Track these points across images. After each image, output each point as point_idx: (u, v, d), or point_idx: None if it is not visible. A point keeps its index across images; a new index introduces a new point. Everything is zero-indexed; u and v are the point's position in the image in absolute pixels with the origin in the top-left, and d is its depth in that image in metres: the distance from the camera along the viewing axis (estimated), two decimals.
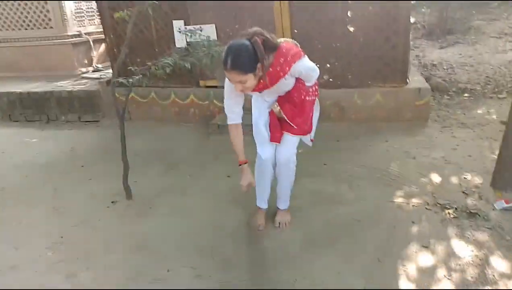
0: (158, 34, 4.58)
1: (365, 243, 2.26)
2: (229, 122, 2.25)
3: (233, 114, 2.22)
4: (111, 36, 4.70)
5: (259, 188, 2.51)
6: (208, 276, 2.10)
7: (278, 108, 2.29)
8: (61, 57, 5.97)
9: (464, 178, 2.89)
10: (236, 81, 1.90)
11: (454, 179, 2.89)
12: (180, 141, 4.10)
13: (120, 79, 2.69)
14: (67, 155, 3.99)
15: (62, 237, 2.54)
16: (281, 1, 4.01)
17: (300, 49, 2.12)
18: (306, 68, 2.11)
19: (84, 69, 6.03)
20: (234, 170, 3.25)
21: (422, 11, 7.55)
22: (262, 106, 2.36)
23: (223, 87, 4.60)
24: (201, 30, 4.31)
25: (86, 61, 6.18)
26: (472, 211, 2.46)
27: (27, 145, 4.39)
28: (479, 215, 2.41)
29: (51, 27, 5.99)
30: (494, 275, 1.94)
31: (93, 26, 6.46)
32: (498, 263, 2.02)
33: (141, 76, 2.74)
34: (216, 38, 4.20)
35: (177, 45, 4.47)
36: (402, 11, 3.77)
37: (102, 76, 5.52)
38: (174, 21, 4.39)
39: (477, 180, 2.84)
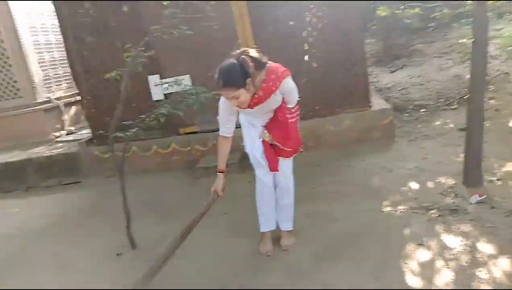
0: (134, 90, 4.77)
1: (367, 250, 2.48)
2: (220, 134, 2.48)
3: (225, 128, 2.44)
4: (88, 98, 4.85)
5: (263, 213, 2.69)
6: None
7: (268, 134, 2.48)
8: (33, 124, 6.01)
9: (439, 181, 3.22)
10: (230, 97, 2.13)
11: (430, 184, 3.21)
12: (168, 189, 4.21)
13: (119, 134, 2.84)
14: (57, 218, 3.97)
15: None
16: (248, 44, 4.37)
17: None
18: (292, 86, 2.34)
19: (57, 133, 6.07)
20: (229, 207, 3.43)
21: (367, 42, 8.26)
22: (254, 135, 2.54)
23: (203, 132, 4.82)
24: (176, 82, 4.59)
25: (58, 125, 6.23)
26: (452, 208, 2.75)
27: (10, 215, 4.33)
28: (459, 211, 2.71)
29: (20, 97, 6.06)
30: (483, 258, 2.20)
31: (61, 91, 6.58)
32: (485, 247, 2.29)
33: (137, 128, 2.91)
34: (188, 88, 4.48)
35: (154, 98, 4.69)
36: (357, 43, 4.24)
37: (77, 139, 5.58)
38: (149, 76, 4.63)
39: (450, 181, 3.17)
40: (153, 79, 4.65)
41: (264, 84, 2.23)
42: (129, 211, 3.03)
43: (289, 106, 2.46)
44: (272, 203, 2.69)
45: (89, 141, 5.04)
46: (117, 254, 2.99)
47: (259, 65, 2.17)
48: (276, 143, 2.49)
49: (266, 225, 2.71)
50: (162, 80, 4.65)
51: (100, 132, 4.90)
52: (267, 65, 2.25)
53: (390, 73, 7.01)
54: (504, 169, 3.21)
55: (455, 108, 5.01)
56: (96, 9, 4.62)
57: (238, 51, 2.18)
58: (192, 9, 3.83)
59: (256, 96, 2.24)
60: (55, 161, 4.94)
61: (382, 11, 4.40)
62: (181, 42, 3.84)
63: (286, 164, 2.59)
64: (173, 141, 4.77)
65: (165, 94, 4.68)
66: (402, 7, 4.53)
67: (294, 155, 2.60)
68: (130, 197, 4.01)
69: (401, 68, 7.11)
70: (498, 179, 3.06)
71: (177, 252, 2.85)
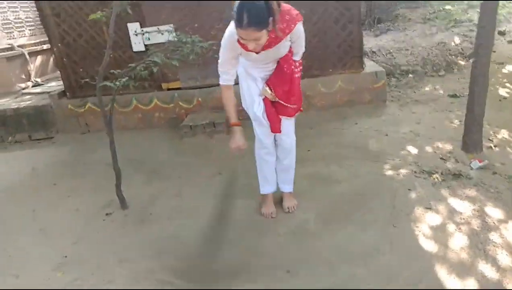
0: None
1: (375, 212, 2.43)
2: (222, 83, 2.19)
3: (228, 74, 2.16)
4: (59, 45, 4.39)
5: (264, 175, 2.56)
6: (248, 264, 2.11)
7: (270, 91, 2.28)
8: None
9: (437, 146, 3.20)
10: (251, 38, 1.85)
11: (428, 149, 3.19)
12: (153, 148, 3.97)
13: (107, 83, 2.55)
14: (30, 176, 3.66)
15: (66, 256, 2.36)
16: None
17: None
18: (303, 34, 2.12)
19: (23, 85, 5.54)
20: (223, 167, 3.28)
21: None
22: (254, 91, 2.32)
23: (187, 88, 4.54)
24: (159, 31, 4.23)
25: (23, 76, 5.68)
26: (455, 173, 2.74)
27: None
28: (462, 176, 2.70)
29: None
30: (494, 222, 2.21)
31: (24, 38, 5.97)
32: (493, 212, 2.30)
33: (128, 78, 2.63)
34: (176, 39, 4.14)
35: (134, 49, 4.33)
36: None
37: (46, 91, 5.12)
38: (129, 24, 4.23)
39: (448, 146, 3.16)
40: (133, 27, 4.25)
41: (277, 25, 1.96)
42: (119, 169, 2.79)
43: (296, 58, 2.27)
44: (273, 165, 2.55)
45: (61, 94, 4.62)
46: (107, 214, 2.78)
47: (278, 4, 1.91)
48: (279, 100, 2.31)
49: (267, 187, 2.59)
50: (143, 29, 4.26)
51: (74, 83, 4.52)
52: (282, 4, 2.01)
53: (375, 37, 6.89)
54: (499, 136, 3.24)
55: (443, 75, 5.01)
56: None
57: None
58: None
59: (271, 36, 1.98)
60: (24, 115, 4.51)
61: None
62: None
63: (289, 123, 2.43)
64: (155, 97, 4.46)
65: (145, 45, 4.32)
66: None
67: (297, 113, 2.44)
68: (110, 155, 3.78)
69: (385, 32, 7.00)
70: (495, 146, 3.09)
71: (177, 211, 2.72)
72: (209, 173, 3.24)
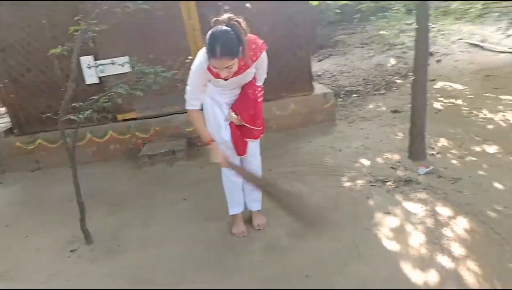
0: (63, 73, 4.31)
1: (340, 222, 2.58)
2: (190, 108, 2.26)
3: (197, 100, 2.25)
4: (6, 81, 4.23)
5: (232, 196, 2.64)
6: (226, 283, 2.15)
7: (236, 116, 2.38)
8: None
9: (386, 157, 3.48)
10: (224, 67, 1.95)
11: (379, 160, 3.45)
12: (111, 180, 3.90)
13: (71, 116, 2.53)
14: None
15: None
16: (195, 27, 4.22)
17: None
18: (266, 60, 2.26)
19: None
20: (189, 194, 3.31)
21: None
22: (220, 117, 2.40)
23: (143, 118, 4.54)
24: (113, 63, 4.24)
25: None
26: (405, 179, 3.00)
27: None
28: (412, 181, 2.96)
29: None
30: (445, 219, 2.45)
31: None
32: (442, 210, 2.55)
33: (91, 110, 2.63)
34: (131, 70, 4.17)
35: (87, 82, 4.29)
36: (302, 28, 4.34)
37: None
38: (81, 57, 4.20)
39: (396, 157, 3.45)
40: (86, 60, 4.23)
41: (246, 54, 2.08)
42: (83, 203, 2.73)
43: (258, 83, 2.43)
44: (240, 185, 2.65)
45: (8, 131, 4.42)
46: (71, 251, 2.69)
47: (246, 33, 2.05)
48: (245, 124, 2.43)
49: (236, 208, 2.67)
50: (96, 61, 4.25)
51: (23, 120, 4.35)
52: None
53: (318, 61, 7.36)
54: (439, 144, 3.58)
55: (383, 93, 5.44)
56: None
57: (223, 17, 1.99)
58: None
59: (241, 64, 2.11)
60: None
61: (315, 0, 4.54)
62: (117, 20, 3.56)
63: (254, 145, 2.56)
64: (110, 128, 4.41)
65: (100, 78, 4.30)
66: None
67: (261, 135, 2.58)
68: (68, 191, 3.64)
69: (328, 57, 7.51)
70: (437, 153, 3.41)
71: (146, 241, 2.70)
72: (174, 200, 3.25)
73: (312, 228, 2.35)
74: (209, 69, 2.09)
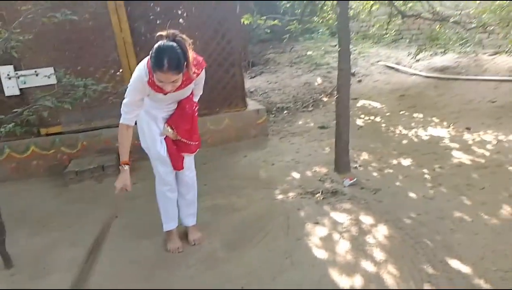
0: None
1: (273, 233, 2.69)
2: (123, 122, 2.19)
3: (132, 114, 2.19)
4: None
5: (167, 212, 2.63)
6: None
7: (172, 130, 2.40)
8: None
9: (315, 170, 3.69)
10: (170, 81, 1.99)
11: (308, 173, 3.66)
12: (34, 198, 3.65)
13: (9, 127, 2.36)
14: None
15: None
16: (126, 40, 4.15)
17: None
18: (204, 78, 2.36)
19: None
20: (118, 210, 3.18)
21: None
22: (156, 132, 2.40)
23: (70, 132, 4.33)
24: (37, 74, 4.01)
25: None
26: (332, 191, 3.21)
27: None
28: (338, 193, 3.18)
29: None
30: (367, 227, 2.67)
31: None
32: (365, 219, 2.78)
33: (14, 124, 2.47)
34: (56, 81, 3.96)
35: (7, 94, 3.99)
36: (235, 45, 4.48)
37: None
38: (0, 67, 3.91)
39: (324, 170, 3.67)
40: (5, 70, 3.94)
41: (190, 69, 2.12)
42: (2, 225, 2.53)
43: (195, 99, 2.50)
44: (175, 201, 2.65)
45: None
46: None
47: (191, 49, 2.08)
48: (181, 139, 2.46)
49: (171, 223, 2.66)
50: (17, 72, 3.98)
51: None
52: None
53: (250, 78, 7.57)
54: (362, 158, 3.89)
55: (311, 110, 5.76)
56: None
57: (167, 32, 2.02)
58: None
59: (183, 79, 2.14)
60: None
61: (246, 19, 4.73)
62: (42, 29, 3.40)
63: (190, 160, 2.60)
64: (32, 143, 4.13)
65: (21, 89, 4.03)
66: (264, 17, 4.95)
67: (198, 149, 2.62)
68: None
69: (260, 74, 7.76)
70: (360, 166, 3.70)
71: (74, 261, 2.56)
72: (104, 218, 3.12)
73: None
74: (150, 83, 2.10)
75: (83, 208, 3.35)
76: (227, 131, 4.62)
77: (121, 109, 2.20)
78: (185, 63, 2.03)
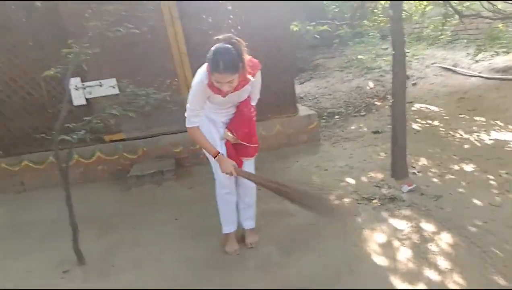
0: (49, 95, 4.32)
1: (329, 238, 2.68)
2: (190, 126, 2.34)
3: (197, 117, 2.33)
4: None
5: (226, 215, 2.69)
6: None
7: (232, 135, 2.46)
8: None
9: (370, 176, 3.62)
10: (226, 81, 2.08)
11: (364, 179, 3.59)
12: (100, 201, 3.88)
13: (64, 136, 2.56)
14: None
15: None
16: (181, 50, 4.33)
17: None
18: (260, 80, 2.44)
19: None
20: (179, 213, 3.34)
21: None
22: (216, 136, 2.47)
23: (131, 139, 4.56)
24: (101, 85, 4.29)
25: None
26: (390, 197, 3.13)
27: None
28: (396, 199, 3.10)
29: None
30: (429, 235, 2.57)
31: None
32: (427, 226, 2.68)
33: (84, 131, 2.66)
34: (118, 92, 4.21)
35: (75, 103, 4.30)
36: (286, 52, 4.52)
37: None
38: (68, 79, 4.21)
39: (380, 175, 3.59)
40: (74, 82, 4.25)
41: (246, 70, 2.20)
42: (76, 224, 2.72)
43: (253, 103, 2.54)
44: (234, 204, 2.71)
45: None
46: (64, 272, 2.66)
47: (246, 51, 2.16)
48: (241, 142, 2.50)
49: (230, 226, 2.72)
50: (84, 83, 4.28)
51: (8, 141, 4.31)
52: None
53: (300, 84, 7.56)
54: (420, 163, 3.76)
55: (364, 115, 5.65)
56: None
57: (223, 36, 2.13)
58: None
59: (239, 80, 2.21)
60: None
61: (295, 26, 4.75)
62: (105, 42, 3.62)
63: (249, 163, 2.65)
64: (98, 149, 4.41)
65: (87, 99, 4.33)
66: (313, 23, 4.94)
67: (256, 154, 2.66)
68: (55, 213, 3.63)
69: (309, 80, 7.74)
70: (418, 171, 3.58)
71: (140, 261, 2.71)
72: (165, 220, 3.27)
73: (325, 215, 2.55)
74: (209, 85, 2.19)
75: (144, 211, 3.52)
76: (279, 137, 4.65)
77: (186, 113, 2.32)
78: (241, 64, 2.10)
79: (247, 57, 2.18)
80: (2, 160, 4.28)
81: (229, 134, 2.48)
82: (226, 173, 2.38)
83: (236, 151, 2.53)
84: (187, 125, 2.34)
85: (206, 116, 2.47)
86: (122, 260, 2.76)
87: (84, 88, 4.30)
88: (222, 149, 2.50)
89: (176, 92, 4.35)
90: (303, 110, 4.94)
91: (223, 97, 2.27)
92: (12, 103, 4.24)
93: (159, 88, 4.32)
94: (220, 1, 4.32)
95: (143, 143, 4.44)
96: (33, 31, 4.15)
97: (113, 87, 4.19)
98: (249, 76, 2.23)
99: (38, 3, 4.19)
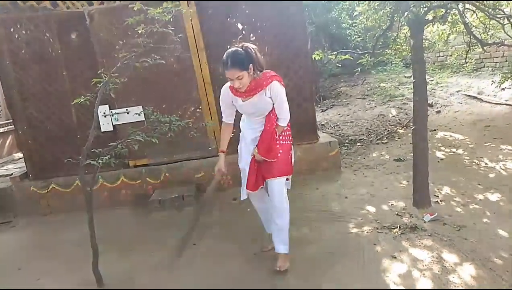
0: (79, 121, 4.53)
1: (348, 268, 2.63)
2: (223, 120, 2.79)
3: (225, 115, 2.76)
4: (25, 128, 4.44)
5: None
6: None
7: (256, 150, 2.65)
8: None
9: (391, 204, 3.56)
10: (234, 77, 2.41)
11: (385, 207, 3.53)
12: (122, 224, 3.98)
13: (92, 161, 2.68)
14: None
15: None
16: (206, 80, 4.48)
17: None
18: (281, 94, 2.59)
19: None
20: (198, 238, 3.36)
21: None
22: (245, 151, 2.74)
23: (155, 164, 4.67)
24: (128, 112, 4.47)
25: None
26: (411, 226, 3.07)
27: None
28: (417, 228, 3.03)
29: None
30: (451, 266, 2.49)
31: None
32: (449, 257, 2.60)
33: (108, 156, 2.77)
34: (144, 119, 4.37)
35: (102, 129, 4.48)
36: (307, 81, 4.59)
37: (3, 174, 5.02)
38: (96, 107, 4.41)
39: (401, 204, 3.53)
40: (103, 109, 4.45)
41: (258, 78, 2.51)
42: (96, 247, 2.80)
43: (280, 123, 2.65)
44: (262, 212, 2.95)
45: (23, 176, 4.56)
46: None
47: (259, 65, 2.48)
48: (263, 158, 2.62)
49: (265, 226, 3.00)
50: (111, 110, 4.47)
51: (38, 165, 4.51)
52: (264, 70, 2.56)
53: (322, 112, 7.62)
54: (443, 192, 3.67)
55: (386, 142, 5.60)
56: (38, 33, 4.37)
57: (243, 43, 2.50)
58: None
59: (250, 83, 2.49)
60: None
61: (317, 55, 4.84)
62: (132, 72, 3.80)
63: (274, 184, 2.65)
64: (122, 174, 4.54)
65: (113, 125, 4.51)
66: (335, 52, 5.03)
67: (285, 176, 2.72)
68: (77, 236, 3.72)
69: (331, 107, 7.78)
70: (441, 200, 3.50)
71: (163, 285, 2.74)
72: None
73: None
74: (230, 88, 2.57)
75: (164, 235, 3.56)
76: (299, 164, 4.64)
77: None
78: (248, 63, 2.42)
79: (259, 61, 2.47)
80: (31, 183, 4.47)
81: (255, 150, 2.65)
82: (216, 169, 2.72)
83: (258, 168, 2.67)
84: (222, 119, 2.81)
85: (241, 134, 2.78)
86: (141, 283, 2.80)
87: (112, 115, 4.51)
88: (243, 163, 2.73)
89: (199, 119, 4.48)
90: (323, 137, 4.95)
91: (243, 100, 2.58)
92: (44, 128, 4.47)
93: (183, 115, 4.47)
94: (243, 32, 4.48)
95: (165, 169, 4.55)
96: (67, 62, 4.41)
97: (139, 114, 4.34)
98: (263, 83, 2.51)
99: (73, 36, 4.49)
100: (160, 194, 4.35)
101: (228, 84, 2.60)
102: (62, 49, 4.42)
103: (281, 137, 2.67)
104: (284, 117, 2.65)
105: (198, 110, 4.62)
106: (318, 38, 9.15)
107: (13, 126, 4.72)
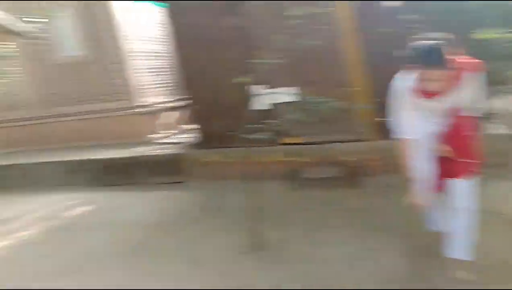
0: (240, 99, 4.92)
1: None
2: (405, 137, 2.26)
3: (412, 127, 2.23)
4: (198, 105, 5.12)
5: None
6: None
7: (446, 148, 2.25)
8: (131, 125, 6.46)
9: None
10: (434, 77, 2.03)
11: None
12: (272, 198, 4.12)
13: (258, 135, 2.93)
14: (171, 213, 4.21)
15: None
16: (356, 61, 4.40)
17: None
18: (478, 81, 2.15)
19: (153, 136, 6.43)
20: (348, 219, 3.40)
21: None
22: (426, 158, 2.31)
23: (306, 143, 4.80)
24: (284, 93, 4.71)
25: (153, 128, 6.64)
26: None
27: (124, 207, 4.61)
28: None
29: (120, 100, 6.54)
30: None
31: (158, 97, 7.00)
32: None
33: (269, 133, 2.99)
34: (299, 99, 4.53)
35: (260, 108, 4.79)
36: None
37: (176, 142, 5.87)
38: (255, 86, 4.76)
39: None
40: (260, 88, 4.77)
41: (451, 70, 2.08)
42: (255, 214, 3.10)
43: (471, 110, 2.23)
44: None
45: (195, 145, 5.26)
46: (240, 253, 3.08)
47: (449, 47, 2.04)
48: (453, 154, 2.23)
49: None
50: (268, 90, 4.76)
51: (209, 136, 5.14)
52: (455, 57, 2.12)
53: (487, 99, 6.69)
54: None
55: None
56: (210, 21, 4.88)
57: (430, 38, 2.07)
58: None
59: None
60: (161, 161, 5.21)
61: (483, 34, 4.19)
62: (287, 54, 3.90)
63: (461, 185, 2.25)
64: (275, 151, 4.82)
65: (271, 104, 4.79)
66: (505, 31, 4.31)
67: (472, 175, 2.27)
68: (242, 201, 4.08)
69: (495, 94, 6.78)
70: None
71: (317, 256, 2.92)
72: (334, 223, 3.39)
73: None
74: (412, 88, 2.17)
75: (310, 213, 3.73)
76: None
77: (396, 126, 2.38)
78: (447, 62, 2.03)
79: (457, 60, 2.10)
80: (200, 152, 5.12)
81: (441, 149, 2.30)
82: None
83: (445, 170, 2.31)
84: (402, 136, 2.38)
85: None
86: (294, 253, 3.01)
87: (269, 95, 4.81)
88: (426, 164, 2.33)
89: (350, 102, 4.44)
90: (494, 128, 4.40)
91: (429, 100, 2.20)
92: (217, 104, 5.01)
93: (338, 97, 4.49)
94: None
95: (316, 148, 4.66)
96: (227, 44, 4.80)
97: (295, 95, 4.53)
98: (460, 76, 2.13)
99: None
100: (309, 173, 4.51)
101: (400, 83, 2.26)
102: (227, 35, 4.84)
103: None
104: (474, 104, 2.32)
105: (352, 92, 4.57)
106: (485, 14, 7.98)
107: (181, 102, 5.46)
